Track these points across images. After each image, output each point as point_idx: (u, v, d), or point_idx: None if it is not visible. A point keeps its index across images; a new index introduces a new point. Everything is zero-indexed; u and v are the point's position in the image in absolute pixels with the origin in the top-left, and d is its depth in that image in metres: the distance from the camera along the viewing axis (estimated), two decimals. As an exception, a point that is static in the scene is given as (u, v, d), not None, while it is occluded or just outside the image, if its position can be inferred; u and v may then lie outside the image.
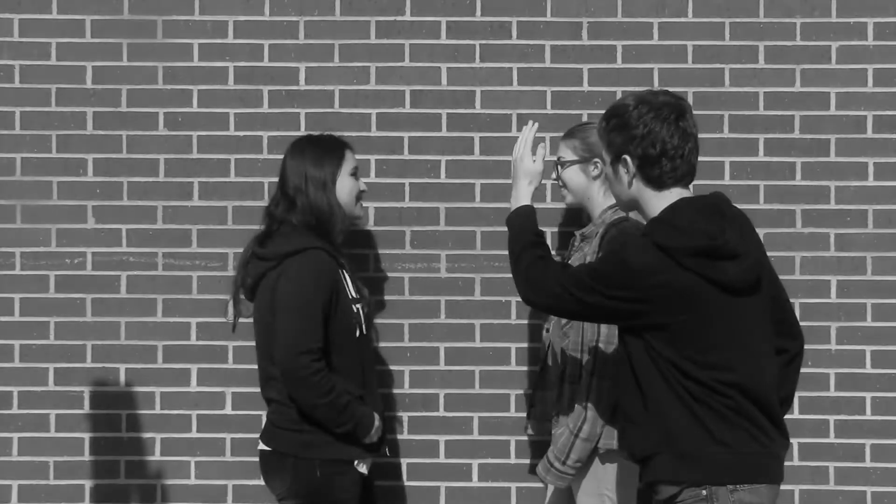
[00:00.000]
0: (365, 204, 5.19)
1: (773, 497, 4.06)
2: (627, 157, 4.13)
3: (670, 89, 5.57)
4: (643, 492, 4.45)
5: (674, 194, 4.13)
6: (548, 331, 5.10)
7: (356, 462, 4.89)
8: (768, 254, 4.24)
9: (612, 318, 4.13)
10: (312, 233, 4.94)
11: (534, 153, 4.60)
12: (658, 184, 4.13)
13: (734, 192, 5.57)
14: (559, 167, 5.10)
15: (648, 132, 4.08)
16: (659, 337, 4.01)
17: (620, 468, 4.88)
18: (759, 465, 4.03)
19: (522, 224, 4.41)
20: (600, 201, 5.04)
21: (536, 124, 4.66)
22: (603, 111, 5.55)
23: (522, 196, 4.50)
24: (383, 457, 5.06)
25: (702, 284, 4.00)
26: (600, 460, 4.87)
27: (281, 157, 5.08)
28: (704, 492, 3.99)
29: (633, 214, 4.75)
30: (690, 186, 4.18)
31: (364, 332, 4.99)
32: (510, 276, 5.60)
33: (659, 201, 4.13)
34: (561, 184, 5.12)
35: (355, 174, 5.07)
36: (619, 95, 5.62)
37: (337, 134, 5.15)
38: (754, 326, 4.08)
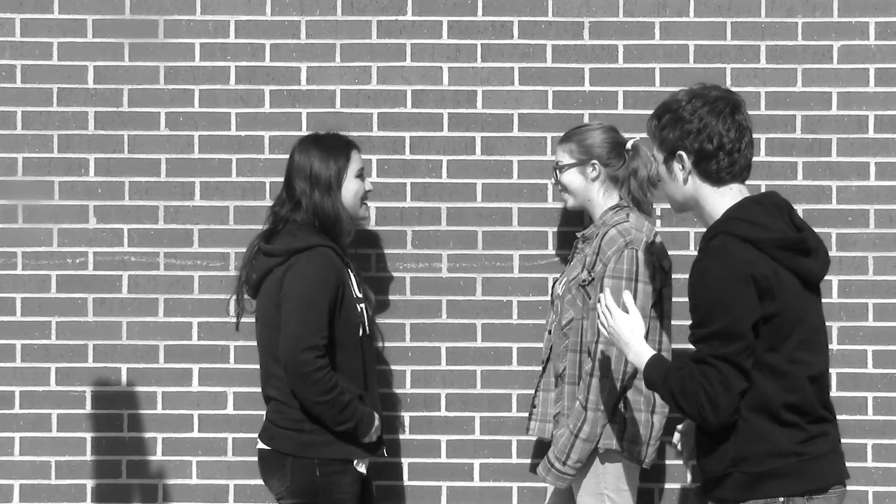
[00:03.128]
0: (367, 203, 5.19)
1: (843, 498, 4.06)
2: (683, 153, 4.05)
3: (671, 89, 5.61)
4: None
5: (734, 191, 4.06)
6: (550, 332, 5.10)
7: (355, 462, 4.89)
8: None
9: (755, 338, 3.98)
10: (318, 231, 4.95)
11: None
12: (716, 179, 4.05)
13: (735, 192, 5.57)
14: (557, 171, 5.10)
15: (704, 126, 4.01)
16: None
17: (620, 468, 4.89)
18: (833, 468, 4.03)
19: (656, 377, 4.12)
20: (600, 202, 5.05)
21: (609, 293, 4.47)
22: (603, 111, 5.60)
23: (643, 351, 4.20)
24: (381, 457, 5.07)
25: (790, 276, 3.98)
26: (600, 460, 4.87)
27: (282, 157, 5.08)
28: (781, 499, 3.96)
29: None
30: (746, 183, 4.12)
31: (367, 331, 4.99)
32: (511, 275, 5.64)
33: (720, 198, 4.06)
34: (561, 188, 5.12)
35: (361, 175, 5.07)
36: (620, 95, 5.62)
37: (343, 134, 5.15)
38: (820, 323, 4.11)
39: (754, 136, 4.03)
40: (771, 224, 4.00)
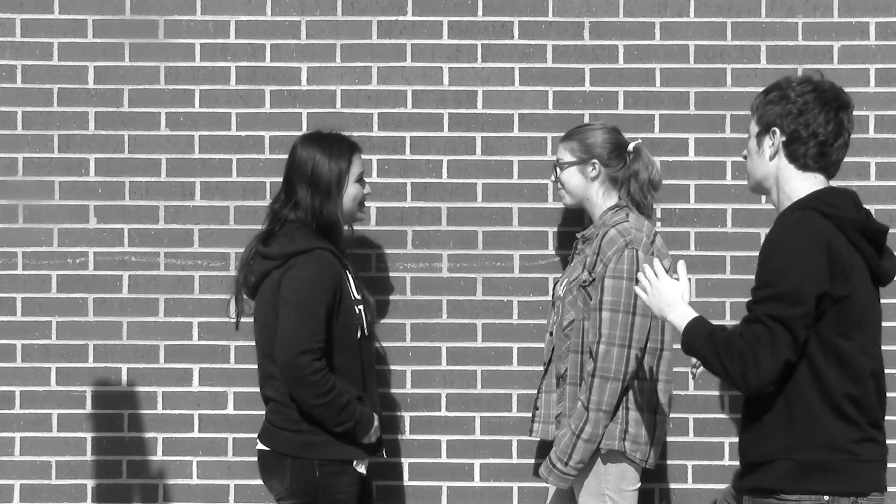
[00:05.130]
0: (366, 204, 5.18)
1: None
2: (777, 130, 4.05)
3: (671, 89, 5.61)
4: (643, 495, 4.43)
5: (817, 179, 4.07)
6: (551, 333, 5.10)
7: (354, 462, 4.89)
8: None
9: (814, 318, 3.93)
10: (316, 232, 4.94)
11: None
12: (802, 164, 4.06)
13: (736, 192, 5.57)
14: (557, 169, 5.10)
15: (806, 110, 4.02)
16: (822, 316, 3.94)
17: (622, 468, 4.89)
18: (878, 476, 4.00)
19: (693, 336, 4.05)
20: (599, 202, 5.05)
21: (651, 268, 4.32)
22: (604, 111, 5.60)
23: (687, 312, 4.11)
24: (381, 458, 5.06)
25: (863, 265, 3.99)
26: (602, 460, 4.87)
27: (283, 157, 5.07)
28: (826, 497, 3.92)
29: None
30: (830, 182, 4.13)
31: (365, 333, 4.99)
32: (511, 275, 5.64)
33: (802, 182, 4.06)
34: (560, 185, 5.12)
35: (361, 180, 5.05)
36: (620, 95, 5.63)
37: (346, 135, 5.13)
38: (879, 323, 4.10)
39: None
40: (852, 211, 4.02)
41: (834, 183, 4.12)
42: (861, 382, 3.97)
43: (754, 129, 4.13)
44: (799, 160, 4.05)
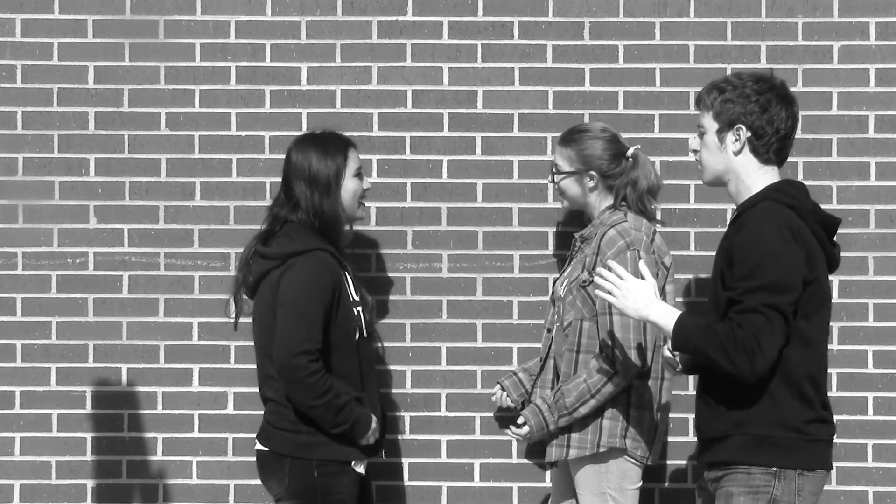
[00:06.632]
0: (366, 204, 5.18)
1: (823, 485, 4.21)
2: (742, 127, 4.21)
3: (671, 89, 5.61)
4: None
5: (774, 172, 4.26)
6: (548, 330, 5.10)
7: (353, 462, 4.88)
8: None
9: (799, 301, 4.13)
10: (316, 233, 4.94)
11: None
12: (764, 158, 4.24)
13: (736, 192, 5.57)
14: (555, 175, 5.08)
15: (770, 107, 4.19)
16: None
17: (623, 466, 4.89)
18: (824, 455, 4.18)
19: (687, 333, 4.15)
20: (598, 205, 5.05)
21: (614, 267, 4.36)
22: (604, 111, 5.59)
23: (669, 310, 4.21)
24: (380, 458, 5.05)
25: (820, 249, 4.18)
26: (603, 458, 4.87)
27: (283, 157, 5.07)
28: (774, 469, 4.10)
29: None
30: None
31: (364, 334, 4.98)
32: (511, 275, 5.63)
33: (762, 175, 4.24)
34: (558, 189, 5.11)
35: (359, 174, 5.05)
36: (620, 95, 5.62)
37: (340, 132, 5.14)
38: (830, 307, 4.29)
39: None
40: (809, 201, 4.24)
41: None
42: (820, 362, 4.19)
43: (713, 125, 4.27)
44: (762, 154, 4.24)
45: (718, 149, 4.27)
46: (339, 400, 4.79)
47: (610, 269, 4.31)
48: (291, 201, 4.96)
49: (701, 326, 4.12)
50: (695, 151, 4.35)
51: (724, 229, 5.59)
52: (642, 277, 4.30)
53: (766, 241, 4.07)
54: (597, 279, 4.33)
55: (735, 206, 4.31)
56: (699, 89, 5.56)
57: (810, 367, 4.14)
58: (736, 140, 4.23)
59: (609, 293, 4.27)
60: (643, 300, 4.22)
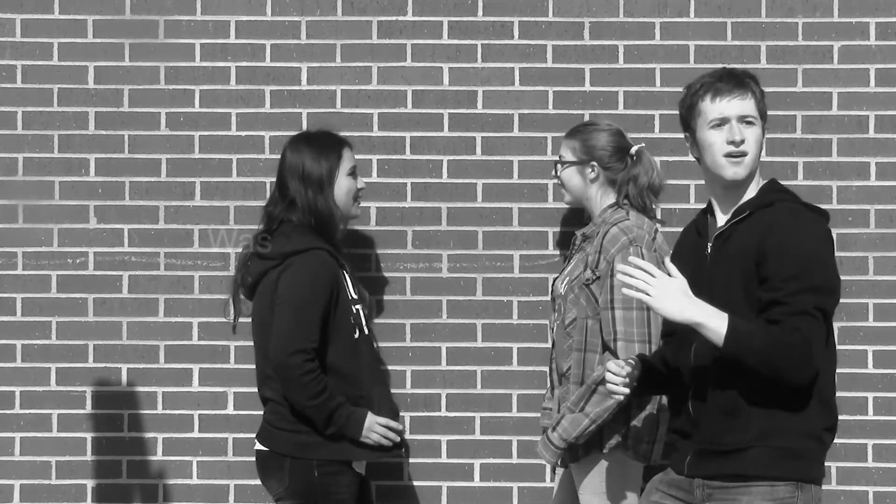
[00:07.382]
0: (366, 204, 5.19)
1: None
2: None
3: (671, 89, 5.61)
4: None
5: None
6: (553, 331, 5.10)
7: (353, 462, 4.89)
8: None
9: None
10: (313, 232, 4.94)
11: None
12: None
13: (736, 192, 5.57)
14: (559, 166, 5.11)
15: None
16: None
17: (625, 466, 4.89)
18: (823, 464, 4.07)
19: (746, 335, 3.88)
20: (598, 201, 5.05)
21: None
22: (604, 111, 5.59)
23: (712, 312, 3.88)
24: (379, 458, 5.02)
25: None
26: (605, 459, 4.87)
27: (282, 157, 5.08)
28: (797, 481, 3.96)
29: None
30: None
31: (363, 332, 4.99)
32: (511, 275, 5.63)
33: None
34: (560, 183, 5.12)
35: (353, 173, 5.06)
36: (620, 95, 5.63)
37: (335, 132, 5.15)
38: None
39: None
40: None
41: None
42: (835, 366, 4.08)
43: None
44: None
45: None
46: (332, 402, 4.80)
47: (633, 266, 3.93)
48: (286, 200, 4.98)
49: (759, 328, 3.86)
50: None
51: (724, 229, 5.62)
52: (669, 274, 3.93)
53: (809, 242, 3.92)
54: (622, 277, 3.91)
55: (712, 199, 4.14)
56: (699, 89, 5.61)
57: (829, 370, 4.01)
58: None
59: (644, 293, 3.89)
60: (686, 299, 3.86)
